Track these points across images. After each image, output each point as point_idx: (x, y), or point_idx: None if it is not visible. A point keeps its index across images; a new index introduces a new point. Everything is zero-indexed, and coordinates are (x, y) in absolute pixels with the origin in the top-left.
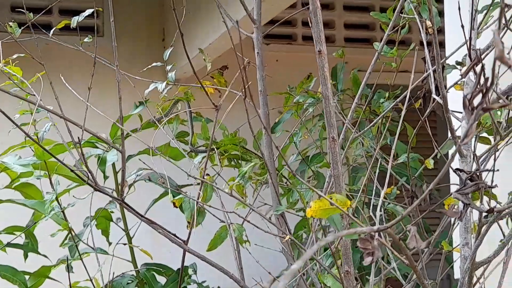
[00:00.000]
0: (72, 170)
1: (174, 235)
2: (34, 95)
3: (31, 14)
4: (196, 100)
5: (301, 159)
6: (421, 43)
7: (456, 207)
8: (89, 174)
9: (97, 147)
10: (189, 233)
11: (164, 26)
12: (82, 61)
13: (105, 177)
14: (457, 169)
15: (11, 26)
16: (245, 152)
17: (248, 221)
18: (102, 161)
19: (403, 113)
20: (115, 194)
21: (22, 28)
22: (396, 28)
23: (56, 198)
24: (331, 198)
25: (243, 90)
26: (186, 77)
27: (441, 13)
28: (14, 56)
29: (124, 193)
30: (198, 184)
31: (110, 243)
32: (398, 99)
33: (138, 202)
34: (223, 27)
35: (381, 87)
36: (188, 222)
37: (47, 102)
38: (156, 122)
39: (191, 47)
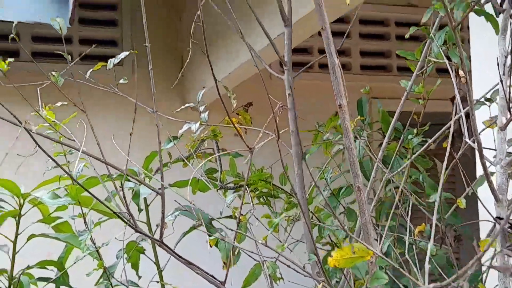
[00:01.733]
0: (114, 212)
1: (212, 276)
2: (75, 140)
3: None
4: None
5: (331, 194)
6: (438, 70)
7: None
8: (130, 216)
9: (129, 180)
10: (226, 274)
11: (182, 55)
12: (100, 91)
13: (139, 210)
14: (497, 217)
15: (54, 76)
16: (273, 188)
17: (284, 264)
18: (136, 195)
19: (446, 161)
20: (146, 227)
21: (64, 59)
22: (422, 70)
23: (90, 237)
24: (353, 248)
25: (275, 130)
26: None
27: (464, 41)
28: (58, 105)
29: (163, 234)
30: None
31: (139, 277)
32: (430, 141)
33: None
34: (242, 57)
35: (405, 115)
36: (224, 263)
37: (78, 138)
38: (185, 159)
39: (209, 76)
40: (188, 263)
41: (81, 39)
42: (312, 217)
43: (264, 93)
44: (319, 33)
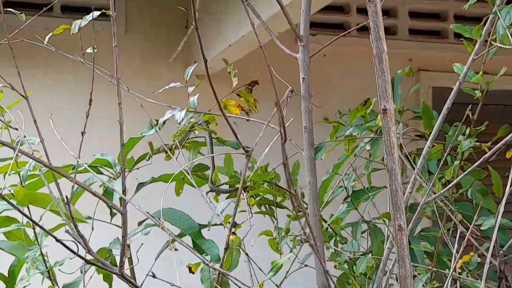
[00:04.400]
0: (58, 240)
1: None
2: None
3: None
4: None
5: (353, 208)
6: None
7: None
8: (81, 240)
9: (101, 173)
10: None
11: (186, 16)
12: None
13: (112, 214)
14: None
15: None
16: (277, 189)
17: None
18: (107, 192)
19: None
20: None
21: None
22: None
23: (41, 254)
24: None
25: (281, 129)
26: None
27: None
28: None
29: (125, 265)
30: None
31: None
32: (489, 153)
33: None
34: (254, 21)
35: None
36: None
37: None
38: (168, 151)
39: (221, 37)
40: None
41: None
42: (327, 228)
43: (279, 62)
44: None
